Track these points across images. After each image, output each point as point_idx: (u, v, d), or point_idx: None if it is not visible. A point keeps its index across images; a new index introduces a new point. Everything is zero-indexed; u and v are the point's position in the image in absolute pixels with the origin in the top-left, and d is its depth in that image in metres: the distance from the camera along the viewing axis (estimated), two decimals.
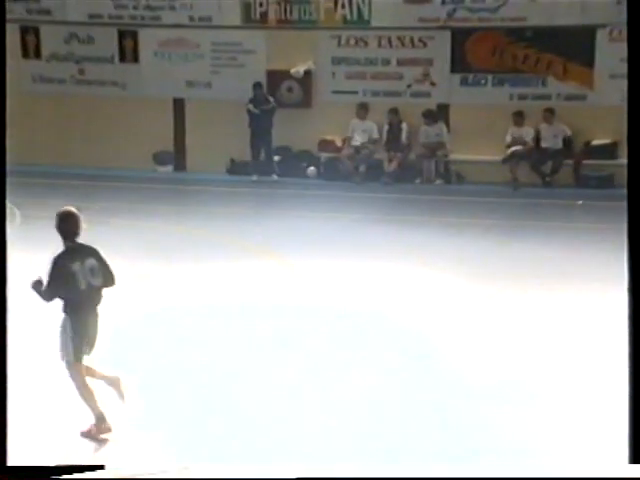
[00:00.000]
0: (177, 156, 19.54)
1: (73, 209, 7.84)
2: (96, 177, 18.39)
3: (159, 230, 14.50)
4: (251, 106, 18.42)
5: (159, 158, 19.47)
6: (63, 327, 7.29)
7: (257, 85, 18.49)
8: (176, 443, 7.18)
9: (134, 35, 19.28)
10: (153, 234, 14.26)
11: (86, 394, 7.23)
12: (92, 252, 7.57)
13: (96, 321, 7.35)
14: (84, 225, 7.65)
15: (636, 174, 4.49)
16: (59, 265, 7.42)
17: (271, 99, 18.50)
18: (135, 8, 19.18)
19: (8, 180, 17.01)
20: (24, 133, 19.30)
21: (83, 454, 7.07)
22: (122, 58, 19.37)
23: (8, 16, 18.21)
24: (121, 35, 19.29)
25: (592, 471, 5.06)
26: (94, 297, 7.34)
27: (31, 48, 19.46)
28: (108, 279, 7.43)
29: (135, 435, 7.35)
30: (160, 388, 8.25)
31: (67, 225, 7.66)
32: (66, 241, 7.62)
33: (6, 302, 5.01)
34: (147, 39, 19.23)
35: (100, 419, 7.17)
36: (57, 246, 13.59)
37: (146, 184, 18.24)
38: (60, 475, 4.74)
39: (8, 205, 16.38)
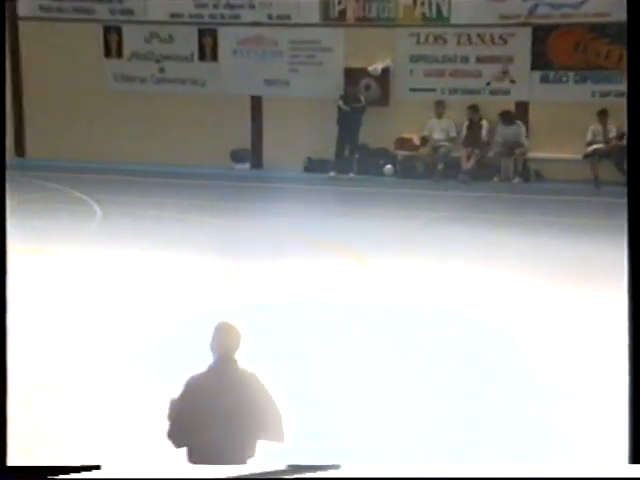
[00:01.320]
0: (254, 154, 19.65)
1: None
2: (174, 175, 18.58)
3: (235, 227, 14.59)
4: (341, 103, 18.44)
5: (236, 156, 19.59)
6: None
7: (349, 82, 18.54)
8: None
9: (214, 33, 19.44)
10: (228, 231, 14.35)
11: None
12: None
13: None
14: None
15: (636, 174, 4.49)
16: None
17: (362, 97, 18.50)
18: (215, 7, 19.35)
19: (89, 177, 17.18)
20: (105, 131, 19.61)
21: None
22: (202, 56, 19.54)
23: (92, 16, 18.39)
24: (201, 34, 19.47)
25: (592, 471, 4.96)
26: None
27: (113, 47, 19.73)
28: None
29: None
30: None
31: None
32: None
33: (6, 302, 4.95)
34: (226, 37, 19.37)
35: None
36: (136, 243, 13.75)
37: (223, 181, 18.37)
38: (56, 475, 4.72)
39: (89, 201, 16.49)
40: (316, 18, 18.92)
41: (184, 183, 18.03)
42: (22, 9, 19.62)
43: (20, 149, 20.01)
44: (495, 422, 7.74)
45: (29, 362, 8.99)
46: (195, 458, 5.09)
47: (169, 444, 5.24)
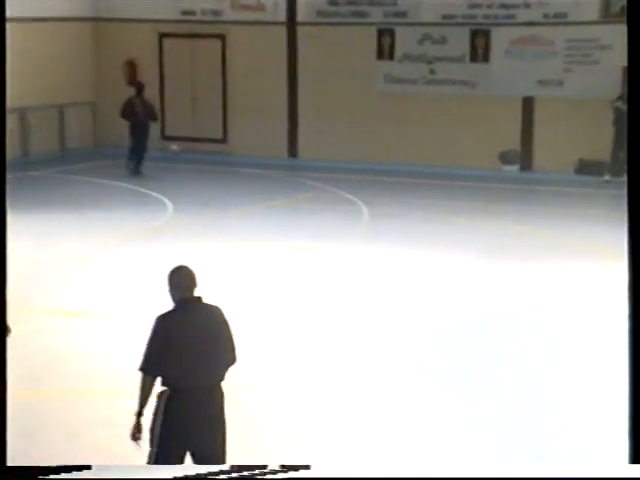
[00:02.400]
0: (524, 155, 19.26)
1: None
2: (441, 176, 18.51)
3: (502, 230, 14.33)
4: (620, 103, 17.75)
5: (505, 157, 19.28)
6: None
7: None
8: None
9: (486, 34, 19.23)
10: (494, 233, 14.12)
11: None
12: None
13: None
14: None
15: (636, 175, 4.40)
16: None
17: None
18: (489, 7, 19.14)
19: (358, 178, 17.45)
20: (374, 132, 19.84)
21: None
22: (473, 58, 19.38)
23: (367, 19, 18.69)
24: (473, 34, 19.31)
25: (592, 471, 4.91)
26: None
27: (385, 49, 19.93)
28: None
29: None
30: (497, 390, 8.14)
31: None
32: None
33: (5, 299, 4.95)
34: (499, 38, 19.11)
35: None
36: (402, 243, 13.79)
37: (490, 183, 18.12)
38: (47, 475, 4.71)
39: (357, 202, 16.73)
40: (595, 15, 18.32)
41: (451, 184, 17.94)
42: (300, 15, 20.21)
43: (293, 149, 20.61)
44: (495, 422, 7.71)
45: (304, 356, 9.19)
46: (171, 385, 5.69)
47: (145, 374, 5.69)
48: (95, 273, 12.03)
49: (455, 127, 19.32)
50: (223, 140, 20.95)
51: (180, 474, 4.98)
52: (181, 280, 5.82)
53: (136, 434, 5.75)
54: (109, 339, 9.67)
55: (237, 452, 5.98)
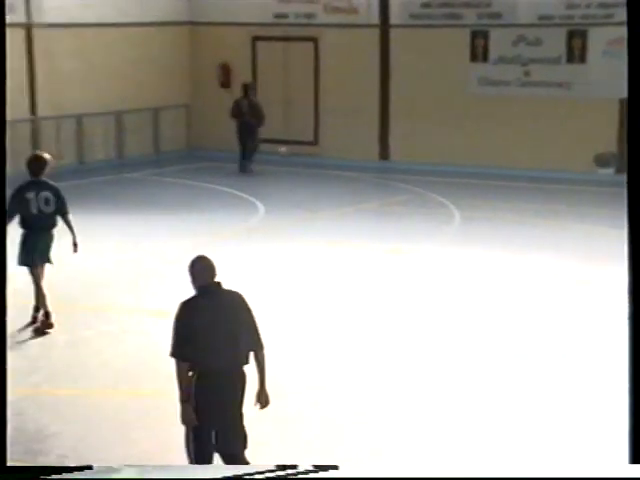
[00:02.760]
0: (620, 158, 18.85)
1: (43, 155, 9.90)
2: (534, 179, 18.23)
3: (596, 234, 14.04)
4: None
5: (600, 160, 18.90)
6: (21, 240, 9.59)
7: None
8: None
9: (583, 34, 18.89)
10: (588, 238, 13.84)
11: (41, 293, 9.72)
12: (50, 187, 9.66)
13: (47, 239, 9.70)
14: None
15: (636, 175, 4.41)
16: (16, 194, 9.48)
17: None
18: (587, 7, 18.80)
19: (450, 181, 17.30)
20: (466, 135, 19.65)
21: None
22: (569, 59, 19.05)
23: (461, 22, 18.49)
24: (570, 35, 18.98)
25: (592, 471, 4.98)
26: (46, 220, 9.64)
27: (479, 51, 19.72)
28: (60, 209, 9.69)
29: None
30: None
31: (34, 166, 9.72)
32: (31, 176, 9.67)
33: (6, 302, 4.91)
34: (596, 38, 18.74)
35: (48, 315, 9.64)
36: (494, 245, 13.61)
37: (584, 186, 17.78)
38: (49, 475, 4.71)
39: (449, 205, 16.58)
40: None
41: (544, 187, 17.66)
42: (393, 17, 20.12)
43: (384, 152, 20.53)
44: (495, 422, 7.71)
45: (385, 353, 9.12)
46: (196, 368, 5.93)
47: (176, 358, 5.93)
48: (183, 274, 12.12)
49: (549, 129, 19.01)
50: (315, 142, 20.98)
51: (190, 476, 5.03)
52: (202, 268, 6.10)
53: (186, 419, 5.95)
54: None
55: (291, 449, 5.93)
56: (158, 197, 16.89)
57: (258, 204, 16.13)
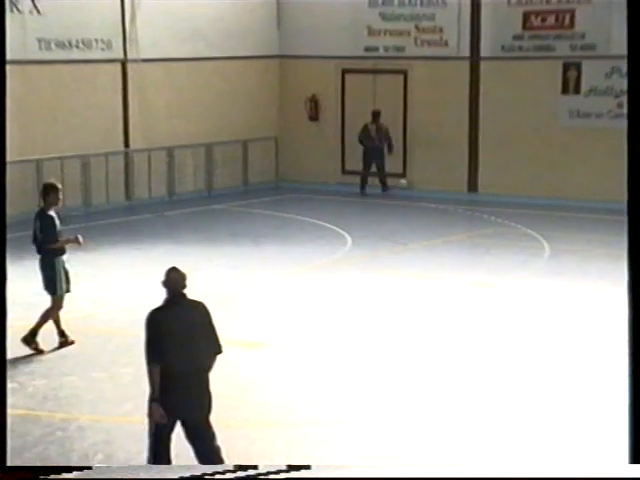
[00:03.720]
0: None
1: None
2: (624, 212, 17.88)
3: None
4: None
5: None
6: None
7: None
8: None
9: None
10: None
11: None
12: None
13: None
14: None
15: (636, 173, 4.38)
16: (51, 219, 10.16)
17: None
18: None
19: (539, 213, 17.08)
20: (556, 167, 19.42)
21: None
22: None
23: (552, 54, 18.26)
24: None
25: (592, 471, 4.84)
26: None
27: (571, 83, 19.51)
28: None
29: None
30: None
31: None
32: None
33: (5, 302, 4.91)
34: None
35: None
36: (583, 280, 13.34)
37: None
38: (48, 475, 4.71)
39: (538, 237, 16.39)
40: None
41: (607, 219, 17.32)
42: (484, 50, 20.04)
43: (473, 184, 20.40)
44: (495, 422, 7.79)
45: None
46: (163, 370, 6.60)
47: (149, 363, 6.64)
48: (271, 305, 12.19)
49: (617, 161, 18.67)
50: (403, 174, 20.95)
51: (186, 474, 5.01)
52: (173, 279, 6.79)
53: (156, 416, 6.61)
54: (283, 370, 9.74)
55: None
56: (246, 228, 17.03)
57: (346, 236, 16.15)
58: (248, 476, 4.87)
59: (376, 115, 20.28)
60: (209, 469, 5.28)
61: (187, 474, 5.04)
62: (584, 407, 8.47)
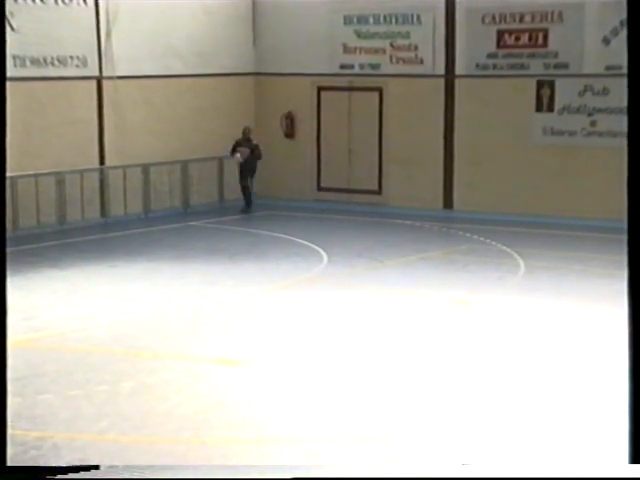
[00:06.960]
0: None
1: None
2: (600, 229, 18.04)
3: None
4: None
5: None
6: None
7: None
8: None
9: None
10: None
11: None
12: None
13: None
14: None
15: (636, 173, 4.37)
16: None
17: None
18: None
19: (513, 230, 17.12)
20: (528, 185, 19.55)
21: None
22: None
23: (526, 72, 18.32)
24: None
25: (592, 471, 4.80)
26: None
27: (545, 101, 19.64)
28: None
29: None
30: None
31: None
32: None
33: (6, 302, 4.92)
34: None
35: None
36: (559, 296, 13.38)
37: None
38: (55, 475, 4.67)
39: (513, 255, 16.41)
40: None
41: (611, 238, 17.44)
42: (459, 68, 20.18)
43: (448, 201, 20.49)
44: (495, 422, 7.85)
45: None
46: None
47: None
48: (247, 322, 12.18)
49: (614, 180, 18.80)
50: (378, 191, 21.03)
51: (190, 476, 4.98)
52: None
53: None
54: (259, 387, 9.74)
55: None
56: (222, 245, 17.02)
57: (322, 252, 16.18)
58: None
59: (246, 131, 20.55)
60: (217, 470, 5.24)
61: (202, 475, 5.03)
62: (584, 407, 8.51)
